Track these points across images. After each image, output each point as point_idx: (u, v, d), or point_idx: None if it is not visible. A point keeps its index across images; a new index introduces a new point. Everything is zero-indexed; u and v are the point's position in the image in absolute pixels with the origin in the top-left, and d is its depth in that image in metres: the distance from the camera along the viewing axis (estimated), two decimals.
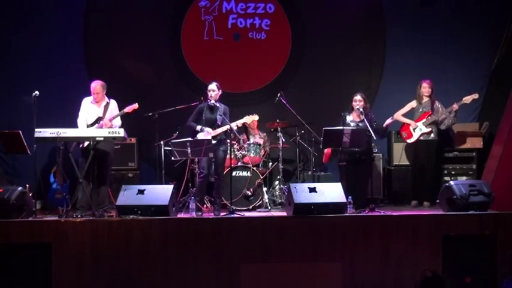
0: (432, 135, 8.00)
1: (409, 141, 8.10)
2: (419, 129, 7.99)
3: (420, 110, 8.07)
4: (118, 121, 7.39)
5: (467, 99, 7.86)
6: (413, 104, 8.15)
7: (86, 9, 8.93)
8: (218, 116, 7.39)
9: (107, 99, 7.46)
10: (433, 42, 9.03)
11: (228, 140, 7.48)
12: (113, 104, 7.49)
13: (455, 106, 7.87)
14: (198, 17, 9.17)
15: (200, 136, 7.33)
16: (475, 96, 7.87)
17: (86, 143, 7.09)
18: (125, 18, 8.95)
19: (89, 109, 7.39)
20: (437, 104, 8.02)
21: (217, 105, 7.40)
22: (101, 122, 7.30)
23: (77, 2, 8.92)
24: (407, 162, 8.48)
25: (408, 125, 8.09)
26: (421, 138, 7.99)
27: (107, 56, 8.96)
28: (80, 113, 7.38)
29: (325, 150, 7.82)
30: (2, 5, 8.70)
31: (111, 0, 9.02)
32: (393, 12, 9.13)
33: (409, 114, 8.17)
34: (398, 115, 8.16)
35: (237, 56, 9.19)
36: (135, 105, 7.42)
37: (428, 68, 8.85)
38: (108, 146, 7.27)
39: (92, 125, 7.33)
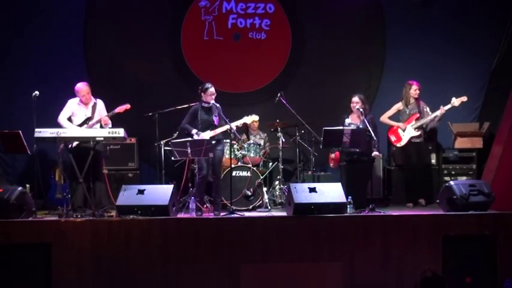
0: (421, 137, 7.95)
1: (398, 145, 8.00)
2: (408, 133, 7.92)
3: (408, 112, 8.00)
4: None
5: (457, 102, 7.76)
6: (399, 106, 8.07)
7: (86, 9, 8.92)
8: (214, 117, 7.42)
9: (93, 99, 7.47)
10: (433, 42, 9.03)
11: (228, 141, 7.50)
12: (100, 103, 7.51)
13: (442, 110, 7.79)
14: (198, 17, 9.17)
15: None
16: (464, 98, 7.75)
17: (75, 144, 7.09)
18: (125, 19, 8.95)
19: (76, 110, 7.40)
20: (424, 106, 7.96)
21: (217, 105, 7.40)
22: (90, 122, 7.31)
23: (77, 2, 8.91)
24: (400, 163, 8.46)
25: (396, 128, 8.02)
26: (411, 141, 7.95)
27: (107, 56, 8.96)
28: (63, 112, 7.36)
29: (333, 155, 7.80)
30: (3, 5, 8.70)
31: (111, 1, 9.02)
32: (393, 12, 9.13)
33: (395, 117, 8.12)
34: (385, 118, 8.09)
35: (237, 56, 9.19)
36: (127, 106, 7.42)
37: (428, 68, 8.86)
38: (99, 145, 7.22)
39: (81, 125, 7.33)
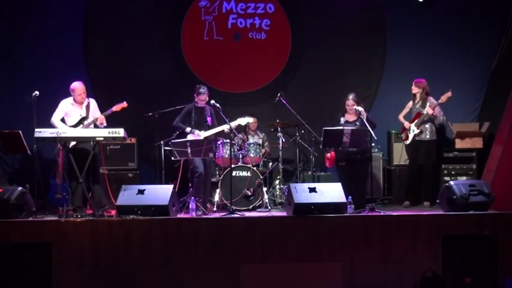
0: (428, 135, 7.97)
1: (405, 142, 8.15)
2: (412, 131, 7.98)
3: (414, 110, 8.07)
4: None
5: (442, 99, 7.77)
6: (410, 104, 8.16)
7: (85, 9, 8.93)
8: (208, 118, 7.56)
9: (87, 99, 7.46)
10: (433, 42, 9.03)
11: (227, 140, 7.54)
12: (93, 103, 7.51)
13: (429, 110, 7.83)
14: (198, 17, 9.18)
15: (190, 137, 7.44)
16: (449, 94, 7.74)
17: (72, 144, 7.09)
18: (125, 19, 8.95)
19: (70, 111, 7.37)
20: (431, 104, 7.91)
21: (217, 105, 7.41)
22: (85, 122, 7.31)
23: (77, 2, 8.92)
24: (407, 162, 8.47)
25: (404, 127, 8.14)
26: (417, 138, 7.98)
27: (107, 56, 8.96)
28: (56, 113, 7.33)
29: (329, 155, 7.79)
30: (3, 6, 8.71)
31: (111, 1, 9.02)
32: (393, 12, 9.13)
33: (409, 115, 8.17)
34: (400, 117, 8.20)
35: (237, 56, 9.20)
36: (124, 104, 7.42)
37: (428, 68, 8.85)
38: (91, 145, 7.19)
39: (76, 125, 7.31)
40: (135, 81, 8.92)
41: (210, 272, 6.16)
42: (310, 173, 8.53)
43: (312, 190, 6.49)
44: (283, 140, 8.42)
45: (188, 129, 7.52)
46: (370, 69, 9.24)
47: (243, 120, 7.71)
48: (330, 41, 9.16)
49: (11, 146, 7.28)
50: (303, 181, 8.41)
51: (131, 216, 6.34)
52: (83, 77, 8.28)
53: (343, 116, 7.71)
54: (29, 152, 7.15)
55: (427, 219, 6.47)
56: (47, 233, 6.18)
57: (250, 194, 7.93)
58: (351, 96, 7.61)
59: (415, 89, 8.04)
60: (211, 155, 7.22)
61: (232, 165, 7.50)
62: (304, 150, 8.69)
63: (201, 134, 7.49)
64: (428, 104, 7.92)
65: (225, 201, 7.60)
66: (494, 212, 6.62)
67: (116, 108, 7.38)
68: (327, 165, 8.04)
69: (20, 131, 7.11)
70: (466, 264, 6.28)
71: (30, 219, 6.56)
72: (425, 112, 7.86)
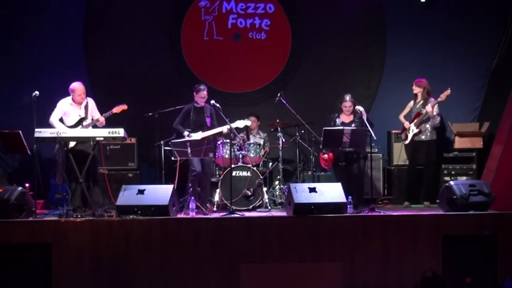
0: (428, 135, 7.96)
1: (404, 142, 8.14)
2: (411, 130, 7.97)
3: (414, 110, 8.07)
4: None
5: (442, 97, 7.77)
6: (411, 104, 8.15)
7: (85, 9, 8.92)
8: (207, 118, 7.57)
9: (85, 98, 7.46)
10: (433, 42, 9.02)
11: (228, 140, 7.53)
12: (92, 102, 7.49)
13: (428, 108, 7.79)
14: (198, 17, 9.17)
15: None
16: (448, 92, 7.73)
17: (72, 145, 7.08)
18: (125, 19, 8.94)
19: (69, 110, 7.36)
20: (432, 104, 7.88)
21: (217, 105, 7.40)
22: (85, 122, 7.30)
23: (77, 2, 8.92)
24: (407, 162, 8.46)
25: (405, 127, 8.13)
26: (416, 138, 7.97)
27: (107, 56, 8.95)
28: (55, 113, 7.31)
29: (325, 156, 7.75)
30: (3, 5, 8.71)
31: (111, 1, 9.02)
32: (393, 12, 9.12)
33: (410, 115, 8.16)
34: (401, 117, 8.18)
35: (237, 56, 9.19)
36: (124, 106, 7.42)
37: (428, 68, 8.84)
38: (90, 146, 7.16)
39: (75, 126, 7.31)
40: (135, 81, 8.91)
41: (210, 272, 6.17)
42: (310, 173, 8.53)
43: (312, 190, 6.49)
44: (283, 140, 8.42)
45: (186, 132, 7.52)
46: (370, 69, 9.23)
47: (241, 123, 7.69)
48: (330, 41, 9.15)
49: (11, 146, 7.28)
50: (303, 181, 8.40)
51: (131, 216, 6.35)
52: (82, 77, 8.28)
53: (339, 117, 7.71)
54: (29, 152, 7.15)
55: (427, 219, 6.48)
56: (47, 233, 6.19)
57: (250, 194, 7.93)
58: (348, 97, 7.61)
59: (416, 89, 8.03)
60: (211, 155, 7.21)
61: (232, 165, 7.49)
62: (304, 150, 8.69)
63: (198, 136, 7.47)
64: (429, 103, 7.92)
65: (225, 201, 7.60)
66: (494, 212, 6.62)
67: (116, 110, 7.37)
68: (323, 167, 8.01)
69: (20, 131, 7.11)
70: (466, 264, 6.29)
71: (30, 219, 6.56)
72: (424, 111, 7.85)
